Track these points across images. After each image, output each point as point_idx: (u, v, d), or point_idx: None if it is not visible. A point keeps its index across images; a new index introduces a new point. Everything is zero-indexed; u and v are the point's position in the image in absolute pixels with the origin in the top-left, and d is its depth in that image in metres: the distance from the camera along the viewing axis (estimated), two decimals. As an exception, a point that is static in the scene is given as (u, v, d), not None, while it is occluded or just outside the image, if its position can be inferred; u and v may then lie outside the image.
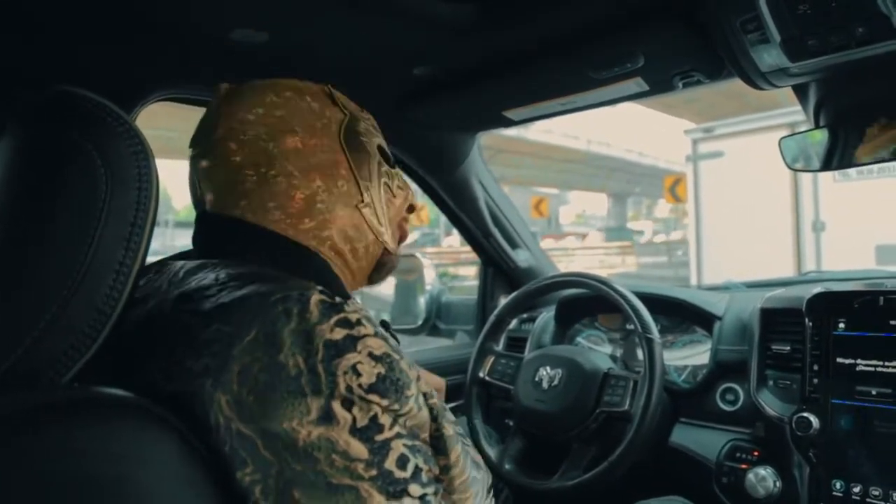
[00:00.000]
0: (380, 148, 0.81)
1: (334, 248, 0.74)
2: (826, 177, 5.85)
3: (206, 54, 1.04)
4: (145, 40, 0.99)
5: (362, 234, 0.76)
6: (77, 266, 0.52)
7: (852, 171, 5.29)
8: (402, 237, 0.85)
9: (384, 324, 0.84)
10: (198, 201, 0.75)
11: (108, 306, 0.54)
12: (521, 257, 1.83)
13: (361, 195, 0.75)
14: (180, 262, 0.69)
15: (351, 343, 0.54)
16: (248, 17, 0.94)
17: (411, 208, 0.87)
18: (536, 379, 1.30)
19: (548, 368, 1.30)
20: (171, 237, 19.03)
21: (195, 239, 0.75)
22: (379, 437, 0.53)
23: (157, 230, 0.62)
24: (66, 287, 0.52)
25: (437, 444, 0.61)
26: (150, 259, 0.66)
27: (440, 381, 1.12)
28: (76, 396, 0.51)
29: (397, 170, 0.84)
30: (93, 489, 0.46)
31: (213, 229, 0.73)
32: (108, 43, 0.98)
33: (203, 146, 0.73)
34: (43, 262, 0.52)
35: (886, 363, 1.05)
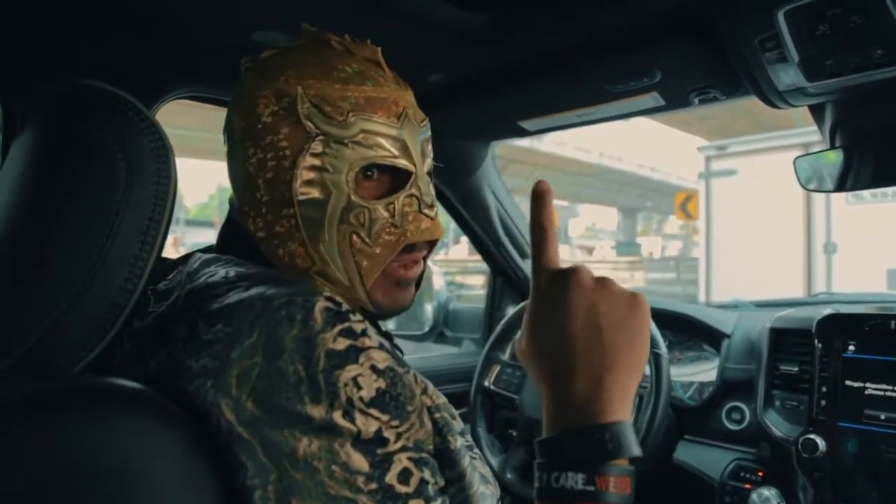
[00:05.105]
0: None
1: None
2: (839, 198, 5.82)
3: (227, 55, 1.05)
4: (168, 38, 1.00)
5: None
6: (93, 258, 0.53)
7: (866, 193, 5.27)
8: None
9: (387, 335, 0.83)
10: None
11: (122, 299, 0.55)
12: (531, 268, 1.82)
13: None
14: (199, 254, 0.69)
15: (353, 354, 0.52)
16: (269, 20, 0.95)
17: None
18: (541, 390, 1.30)
19: (553, 380, 1.29)
20: (181, 235, 19.12)
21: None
22: (381, 451, 0.52)
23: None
24: (82, 278, 0.52)
25: (442, 457, 0.60)
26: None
27: None
28: (87, 386, 0.51)
29: None
30: (98, 478, 0.46)
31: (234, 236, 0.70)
32: (131, 40, 0.99)
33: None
34: (59, 252, 0.52)
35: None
